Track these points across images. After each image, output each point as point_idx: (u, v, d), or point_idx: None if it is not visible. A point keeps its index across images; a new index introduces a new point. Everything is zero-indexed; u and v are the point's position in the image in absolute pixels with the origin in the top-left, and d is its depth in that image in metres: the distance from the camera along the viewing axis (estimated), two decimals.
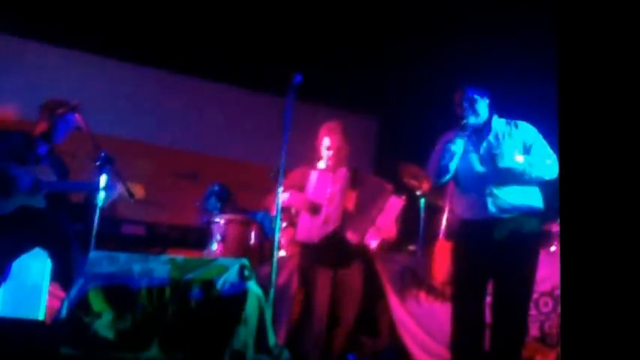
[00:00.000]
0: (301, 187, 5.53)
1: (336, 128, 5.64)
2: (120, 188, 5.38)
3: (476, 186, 4.80)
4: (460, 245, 4.98)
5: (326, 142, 5.62)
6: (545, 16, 7.04)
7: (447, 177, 4.89)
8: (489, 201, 4.73)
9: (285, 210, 5.63)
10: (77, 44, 8.57)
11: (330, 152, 5.58)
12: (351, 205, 5.42)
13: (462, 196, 4.95)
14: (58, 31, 8.16)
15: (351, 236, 5.37)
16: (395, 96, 9.47)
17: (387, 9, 7.57)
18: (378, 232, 5.50)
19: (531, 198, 4.79)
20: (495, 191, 4.73)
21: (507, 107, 4.91)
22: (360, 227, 5.41)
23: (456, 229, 5.06)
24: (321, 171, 5.56)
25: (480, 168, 4.81)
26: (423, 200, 6.76)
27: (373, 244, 5.50)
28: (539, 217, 4.90)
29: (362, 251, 5.53)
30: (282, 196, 5.05)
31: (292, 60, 7.39)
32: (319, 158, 5.66)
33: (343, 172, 5.50)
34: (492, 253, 4.68)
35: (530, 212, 4.76)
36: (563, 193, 2.98)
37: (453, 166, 4.83)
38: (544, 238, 6.16)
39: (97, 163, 5.23)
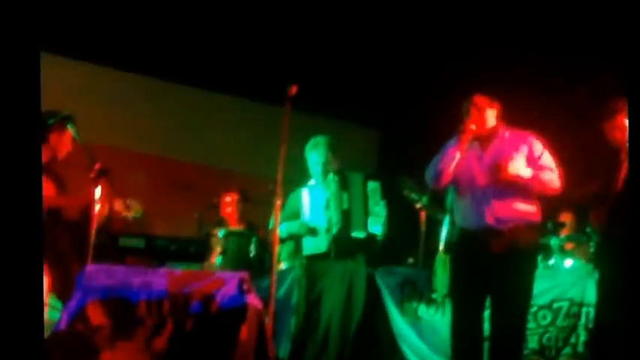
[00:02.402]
0: (298, 212, 5.53)
1: (321, 143, 5.64)
2: (116, 204, 5.38)
3: (475, 195, 4.79)
4: (459, 258, 4.99)
5: (313, 158, 5.63)
6: (547, 25, 7.14)
7: (444, 182, 4.88)
8: (487, 211, 4.71)
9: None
10: (70, 52, 8.52)
11: (318, 168, 5.58)
12: (346, 205, 5.42)
13: (461, 204, 4.94)
14: (52, 38, 8.12)
15: (356, 234, 5.38)
16: (396, 109, 9.48)
17: (389, 22, 7.58)
18: (376, 219, 5.51)
19: (529, 210, 4.77)
20: (493, 201, 4.72)
21: (515, 119, 4.89)
22: (360, 219, 5.41)
23: (456, 239, 5.05)
24: (312, 188, 5.56)
25: (480, 177, 4.80)
26: (423, 213, 6.75)
27: (377, 230, 5.50)
28: (538, 230, 4.90)
29: (370, 243, 5.52)
30: (280, 230, 5.15)
31: (293, 71, 7.39)
32: (310, 175, 5.67)
33: (331, 176, 5.50)
34: (490, 266, 4.67)
35: (528, 224, 4.74)
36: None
37: (449, 171, 4.82)
38: (542, 251, 6.17)
39: (92, 175, 5.20)
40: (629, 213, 3.15)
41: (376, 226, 5.50)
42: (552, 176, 4.72)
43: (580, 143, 5.89)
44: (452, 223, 5.38)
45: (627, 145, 3.19)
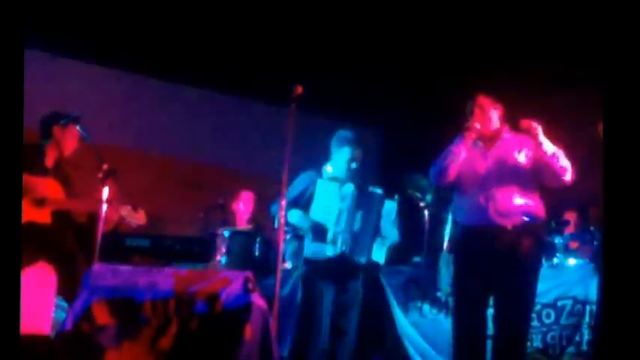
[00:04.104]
0: (306, 193, 5.53)
1: (355, 139, 5.62)
2: (122, 210, 5.42)
3: (478, 191, 4.80)
4: (462, 256, 4.98)
5: (346, 153, 5.57)
6: (550, 26, 7.15)
7: (448, 179, 4.90)
8: (490, 206, 4.72)
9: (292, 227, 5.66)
10: (77, 53, 8.57)
11: (352, 164, 5.55)
12: (357, 226, 5.40)
13: (464, 202, 4.95)
14: (57, 40, 8.14)
15: (358, 259, 5.38)
16: (400, 107, 9.48)
17: (392, 22, 7.58)
18: (382, 242, 5.50)
19: (533, 205, 4.78)
20: (497, 196, 4.72)
21: (519, 120, 4.90)
22: (366, 244, 5.41)
23: (458, 238, 5.06)
24: (329, 182, 5.53)
25: (484, 174, 4.81)
26: (427, 212, 6.76)
27: (380, 258, 5.49)
28: (541, 228, 4.91)
29: (370, 269, 5.53)
30: (290, 215, 5.21)
31: (298, 71, 7.39)
32: (328, 165, 5.65)
33: (351, 189, 5.46)
34: (494, 265, 4.68)
35: (531, 222, 4.74)
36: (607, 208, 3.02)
37: (454, 167, 4.84)
38: (546, 250, 6.17)
39: (100, 176, 5.24)
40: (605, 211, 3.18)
41: (380, 251, 5.48)
42: (567, 163, 4.73)
43: (580, 143, 5.88)
44: (455, 222, 5.39)
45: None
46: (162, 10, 7.89)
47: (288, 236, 6.27)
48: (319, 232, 5.40)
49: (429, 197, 6.61)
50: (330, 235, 5.35)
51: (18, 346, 2.95)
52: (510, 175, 4.77)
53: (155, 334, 3.84)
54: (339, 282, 5.46)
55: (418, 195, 6.60)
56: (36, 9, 7.25)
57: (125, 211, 5.46)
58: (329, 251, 5.33)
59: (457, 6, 7.05)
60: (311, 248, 5.47)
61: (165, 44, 8.40)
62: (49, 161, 5.44)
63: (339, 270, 5.40)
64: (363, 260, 5.37)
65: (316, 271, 5.44)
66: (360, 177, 5.61)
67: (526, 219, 4.70)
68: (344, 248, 5.32)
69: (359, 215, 5.40)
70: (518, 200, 4.73)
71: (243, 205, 7.57)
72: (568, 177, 4.72)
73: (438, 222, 6.52)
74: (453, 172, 4.86)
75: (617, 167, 3.06)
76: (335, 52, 8.33)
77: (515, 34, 7.27)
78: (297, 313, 5.89)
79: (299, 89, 4.92)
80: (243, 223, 7.49)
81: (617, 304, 2.96)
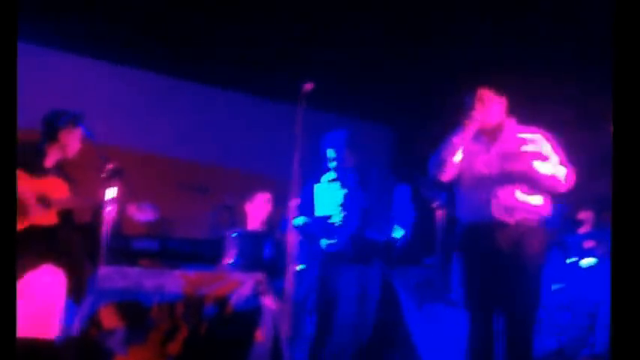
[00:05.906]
0: (310, 201, 5.50)
1: (339, 139, 5.59)
2: (129, 208, 5.38)
3: (481, 187, 4.70)
4: (465, 254, 4.87)
5: (330, 153, 5.58)
6: (559, 25, 7.10)
7: (448, 173, 4.80)
8: (493, 202, 4.61)
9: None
10: (82, 50, 8.53)
11: (335, 164, 5.53)
12: (365, 204, 5.37)
13: (465, 197, 4.86)
14: (61, 36, 8.11)
15: (371, 234, 5.32)
16: (411, 106, 9.45)
17: (402, 19, 7.54)
18: (400, 226, 5.45)
19: (537, 202, 4.67)
20: (499, 192, 4.62)
21: (524, 114, 4.83)
22: (381, 219, 5.36)
23: (461, 235, 4.96)
24: (325, 184, 5.52)
25: (486, 170, 4.72)
26: (439, 212, 6.71)
27: (397, 234, 5.43)
28: (546, 226, 4.81)
29: (388, 249, 5.47)
30: (297, 221, 5.21)
31: (307, 69, 7.34)
32: (327, 170, 5.63)
33: (351, 176, 5.48)
34: (497, 262, 4.59)
35: (535, 219, 4.65)
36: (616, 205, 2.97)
37: (453, 160, 4.76)
38: (561, 249, 6.10)
39: (105, 176, 5.19)
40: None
41: (397, 230, 5.44)
42: (558, 174, 4.63)
43: (595, 142, 5.84)
44: (457, 218, 5.34)
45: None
46: (168, 7, 7.84)
47: (299, 238, 6.23)
48: (327, 223, 5.37)
49: (441, 197, 6.56)
50: (339, 221, 5.33)
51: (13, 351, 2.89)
52: (514, 169, 4.68)
53: (164, 338, 3.81)
54: (358, 274, 5.41)
55: (430, 195, 6.55)
56: (37, 6, 7.24)
57: (131, 209, 5.41)
58: (342, 235, 5.29)
59: (473, 6, 6.99)
60: (325, 242, 5.42)
61: (175, 41, 8.35)
62: (49, 161, 5.36)
63: (357, 253, 5.35)
64: (382, 237, 5.34)
65: (334, 264, 5.39)
66: (358, 171, 5.59)
67: (529, 216, 4.62)
68: (357, 224, 5.29)
69: (364, 195, 5.40)
70: (522, 196, 4.64)
71: (259, 207, 7.52)
72: (558, 187, 4.64)
73: (450, 222, 6.46)
74: (452, 167, 4.77)
75: (626, 167, 3.00)
76: (346, 50, 8.28)
77: (533, 36, 7.23)
78: (309, 315, 5.84)
79: (309, 87, 4.86)
80: (256, 225, 7.45)
81: (630, 304, 2.90)
